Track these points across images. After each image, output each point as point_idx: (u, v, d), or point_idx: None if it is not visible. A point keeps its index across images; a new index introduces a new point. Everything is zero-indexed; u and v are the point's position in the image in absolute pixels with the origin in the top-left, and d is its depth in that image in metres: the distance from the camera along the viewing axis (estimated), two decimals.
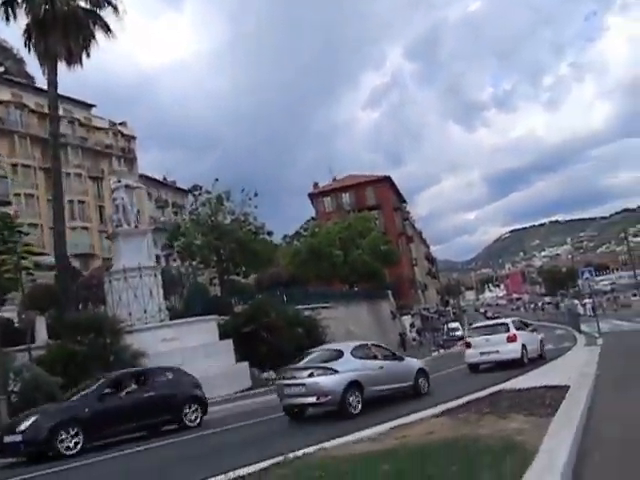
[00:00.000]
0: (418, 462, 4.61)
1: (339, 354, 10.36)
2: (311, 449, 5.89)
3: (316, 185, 63.71)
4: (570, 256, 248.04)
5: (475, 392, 8.95)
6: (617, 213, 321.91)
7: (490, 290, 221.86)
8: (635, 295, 50.24)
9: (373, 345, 11.77)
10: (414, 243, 76.68)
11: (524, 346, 14.77)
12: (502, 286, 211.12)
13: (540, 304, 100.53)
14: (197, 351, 18.54)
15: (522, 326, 16.44)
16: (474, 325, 20.82)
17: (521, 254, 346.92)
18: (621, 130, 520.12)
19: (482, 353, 15.01)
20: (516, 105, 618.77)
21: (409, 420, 7.06)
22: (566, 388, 7.86)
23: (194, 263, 27.44)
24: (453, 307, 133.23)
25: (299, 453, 5.72)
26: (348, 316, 34.39)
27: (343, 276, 40.17)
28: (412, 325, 53.58)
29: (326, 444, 6.10)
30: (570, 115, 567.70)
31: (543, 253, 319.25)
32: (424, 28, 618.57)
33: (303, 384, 9.69)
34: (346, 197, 59.44)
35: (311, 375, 9.74)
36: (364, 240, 40.87)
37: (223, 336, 20.54)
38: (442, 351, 31.71)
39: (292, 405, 10.12)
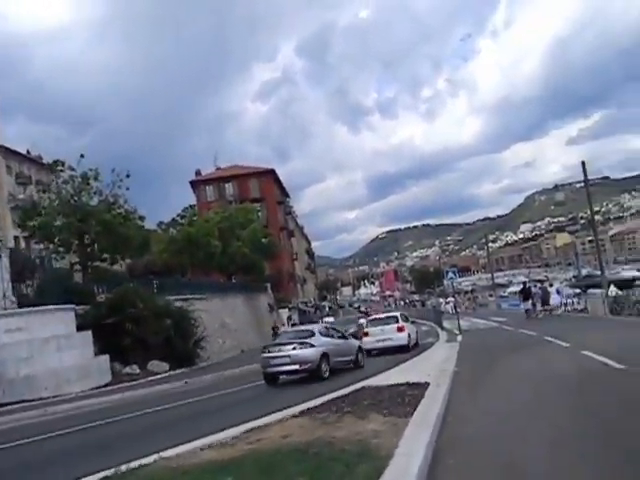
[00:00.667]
0: (265, 473, 4.14)
1: (311, 333, 13.54)
2: (151, 458, 5.17)
3: (199, 173, 61.48)
4: (438, 257, 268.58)
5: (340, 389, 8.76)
6: (479, 220, 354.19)
7: (365, 287, 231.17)
8: (491, 295, 55.14)
9: (331, 327, 15.90)
10: (295, 238, 77.33)
11: (409, 335, 18.37)
12: (377, 283, 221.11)
13: (409, 301, 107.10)
14: (48, 343, 16.68)
15: (406, 319, 20.14)
16: (370, 318, 24.11)
17: (395, 254, 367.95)
18: (486, 146, 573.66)
19: (378, 340, 18.27)
20: (397, 113, 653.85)
21: (268, 421, 6.60)
22: (426, 385, 7.92)
23: (51, 246, 24.68)
24: (330, 302, 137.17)
25: (135, 464, 4.98)
26: (223, 308, 33.44)
27: (221, 267, 39.04)
28: (289, 318, 53.93)
29: (169, 452, 5.41)
30: (444, 127, 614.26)
31: (415, 254, 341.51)
32: (316, 27, 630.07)
33: (288, 355, 12.70)
34: (229, 187, 58.08)
35: (294, 349, 12.76)
36: (244, 232, 40.06)
37: (82, 327, 18.68)
38: None
39: (277, 372, 12.96)
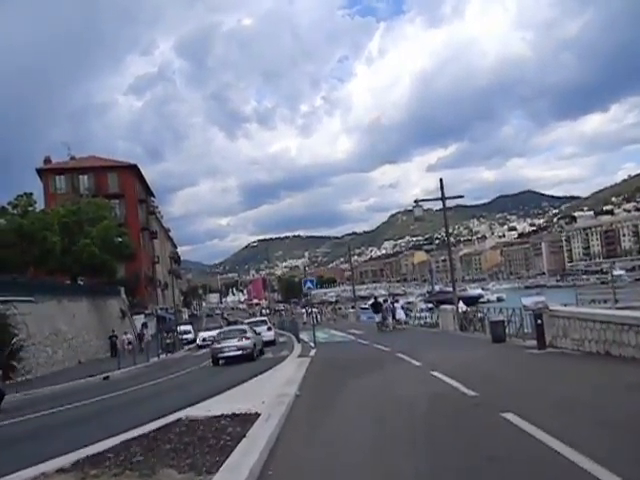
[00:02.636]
0: None
1: (245, 330, 20.91)
2: None
3: (48, 160, 54.71)
4: (305, 268, 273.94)
5: (152, 421, 6.98)
6: (347, 235, 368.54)
7: (233, 294, 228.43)
8: (353, 307, 56.11)
9: (253, 327, 23.71)
10: (158, 240, 72.59)
11: (276, 334, 25.97)
12: (245, 291, 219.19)
13: (275, 310, 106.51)
14: None
15: (270, 324, 28.20)
16: (247, 320, 31.93)
17: (265, 262, 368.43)
18: (357, 165, 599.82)
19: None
20: (275, 124, 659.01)
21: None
22: (255, 417, 6.48)
23: None
24: (194, 309, 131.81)
25: None
26: (59, 313, 29.28)
27: (63, 267, 34.44)
28: (144, 326, 50.06)
29: None
30: (319, 143, 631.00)
31: (284, 264, 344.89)
32: (198, 28, 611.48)
33: (235, 345, 19.22)
34: (84, 180, 52.37)
35: (239, 340, 19.43)
36: (94, 229, 35.90)
37: None
38: (165, 355, 29.27)
39: (226, 356, 19.07)
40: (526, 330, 15.04)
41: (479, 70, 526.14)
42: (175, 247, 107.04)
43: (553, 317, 12.14)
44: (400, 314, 28.64)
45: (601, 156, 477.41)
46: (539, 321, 12.21)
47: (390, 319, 27.26)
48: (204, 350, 27.51)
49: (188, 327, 43.28)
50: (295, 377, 10.51)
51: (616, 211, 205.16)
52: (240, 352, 18.90)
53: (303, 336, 25.82)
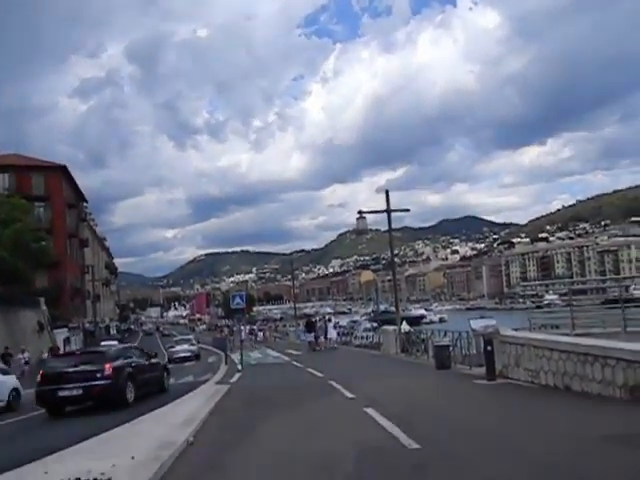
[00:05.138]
0: None
1: (191, 339, 34.98)
2: None
3: None
4: (253, 284, 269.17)
5: None
6: (296, 252, 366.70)
7: (175, 308, 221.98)
8: (294, 326, 53.97)
9: (196, 337, 39.34)
10: (90, 248, 68.17)
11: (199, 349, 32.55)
12: (188, 305, 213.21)
13: (217, 326, 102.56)
14: None
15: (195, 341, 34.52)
16: (176, 338, 37.35)
17: (212, 277, 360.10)
18: (308, 183, 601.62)
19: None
20: (227, 137, 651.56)
21: None
22: None
23: None
24: (131, 323, 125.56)
25: None
26: None
27: None
28: (67, 341, 46.16)
29: None
30: (271, 159, 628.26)
31: (231, 279, 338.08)
32: (150, 35, 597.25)
33: (188, 349, 31.10)
34: (4, 179, 48.01)
35: (190, 346, 31.71)
36: (5, 231, 32.37)
37: None
38: None
39: (179, 357, 29.50)
40: (471, 352, 13.62)
41: (428, 97, 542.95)
42: (111, 257, 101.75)
43: (504, 343, 10.69)
44: (332, 333, 28.05)
45: (538, 186, 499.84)
46: (489, 347, 10.72)
47: (322, 338, 26.87)
48: None
49: (113, 343, 39.69)
50: (198, 414, 8.45)
51: (551, 239, 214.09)
52: (189, 354, 30.32)
53: (236, 356, 23.59)
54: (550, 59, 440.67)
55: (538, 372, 9.48)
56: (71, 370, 11.73)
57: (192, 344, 32.76)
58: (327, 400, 9.90)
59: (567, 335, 10.50)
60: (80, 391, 11.41)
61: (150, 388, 13.59)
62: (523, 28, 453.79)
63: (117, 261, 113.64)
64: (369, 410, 7.98)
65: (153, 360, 14.52)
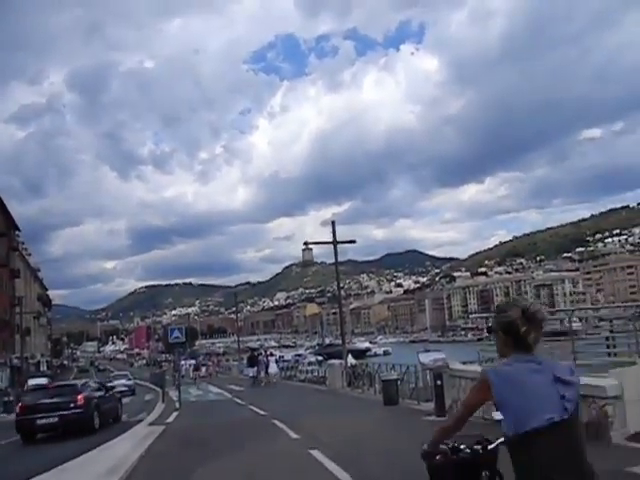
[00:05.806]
0: None
1: (128, 374, 36.19)
2: None
3: None
4: (196, 317, 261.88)
5: None
6: (241, 284, 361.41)
7: (113, 343, 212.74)
8: (236, 360, 52.34)
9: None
10: (21, 279, 64.13)
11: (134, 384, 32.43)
12: (127, 339, 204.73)
13: (157, 361, 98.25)
14: None
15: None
16: (113, 374, 37.60)
17: (153, 310, 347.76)
18: (254, 215, 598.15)
19: None
20: (172, 168, 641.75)
21: None
22: None
23: None
24: (65, 358, 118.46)
25: None
26: None
27: None
28: None
29: None
30: (217, 191, 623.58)
31: (174, 312, 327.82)
32: (94, 64, 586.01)
33: (124, 384, 30.06)
34: None
35: (127, 381, 32.17)
36: None
37: None
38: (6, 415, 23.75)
39: (119, 391, 22.21)
40: (418, 386, 13.32)
41: (372, 135, 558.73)
42: (45, 289, 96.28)
43: (454, 377, 10.44)
44: (273, 368, 27.74)
45: (477, 222, 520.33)
46: (438, 382, 10.43)
47: (263, 373, 26.67)
48: None
49: (41, 380, 36.79)
50: (127, 460, 7.58)
51: (490, 273, 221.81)
52: (126, 388, 28.44)
53: (173, 393, 22.23)
54: (486, 103, 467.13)
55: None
56: (47, 401, 13.35)
57: (129, 379, 33.56)
58: (270, 442, 9.20)
59: None
60: (56, 419, 12.96)
61: (109, 417, 15.20)
62: (460, 73, 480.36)
63: (52, 293, 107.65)
64: (315, 452, 7.42)
65: (109, 393, 16.31)
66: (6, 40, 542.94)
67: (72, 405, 13.13)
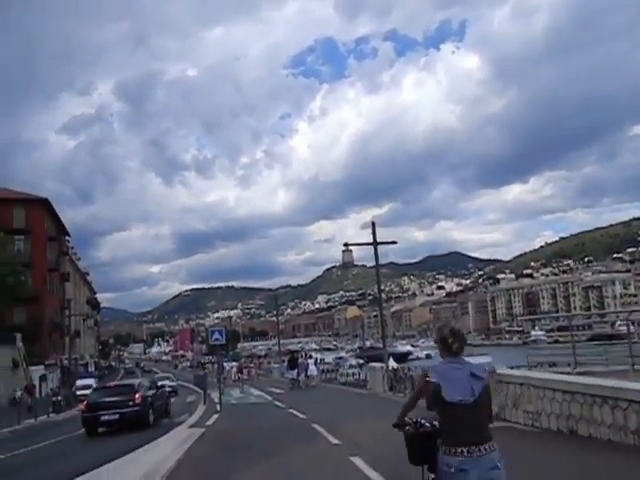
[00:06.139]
0: None
1: (170, 376, 38.18)
2: None
3: None
4: (238, 320, 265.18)
5: None
6: (282, 287, 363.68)
7: (159, 345, 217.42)
8: (277, 363, 52.48)
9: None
10: (71, 283, 66.49)
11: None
12: (171, 342, 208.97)
13: (201, 363, 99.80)
14: None
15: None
16: (158, 375, 37.21)
17: (197, 313, 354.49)
18: (294, 218, 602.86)
19: None
20: (214, 174, 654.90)
21: None
22: None
23: None
24: (112, 360, 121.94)
25: None
26: None
27: None
28: (43, 378, 44.33)
29: None
30: (258, 195, 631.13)
31: (217, 314, 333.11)
32: (140, 74, 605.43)
33: (169, 385, 29.34)
34: None
35: (170, 382, 32.78)
36: None
37: None
38: (47, 417, 24.54)
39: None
40: None
41: (413, 136, 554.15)
42: (94, 292, 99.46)
43: (501, 383, 9.94)
44: (312, 371, 27.94)
45: (521, 223, 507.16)
46: None
47: (303, 376, 26.80)
48: None
49: (89, 381, 37.94)
50: (165, 464, 7.53)
51: (535, 275, 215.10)
52: (170, 389, 26.22)
53: (214, 395, 22.38)
54: (529, 100, 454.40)
55: (539, 414, 8.72)
56: (109, 399, 15.03)
57: (172, 380, 34.58)
58: (309, 447, 8.98)
59: (568, 374, 9.81)
60: (117, 416, 14.67)
61: (161, 412, 17.06)
62: (503, 71, 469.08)
63: (101, 296, 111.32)
64: (355, 460, 7.16)
65: (160, 391, 18.21)
66: (57, 53, 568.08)
67: (130, 403, 14.76)
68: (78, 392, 34.21)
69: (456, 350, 3.21)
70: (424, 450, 3.38)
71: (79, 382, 37.11)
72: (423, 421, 3.46)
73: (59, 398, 26.35)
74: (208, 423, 13.56)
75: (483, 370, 3.24)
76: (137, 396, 15.11)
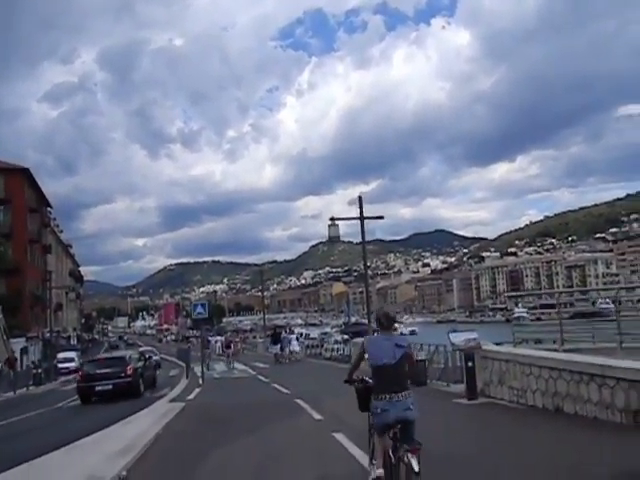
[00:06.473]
0: None
1: (154, 350, 35.79)
2: None
3: None
4: (224, 294, 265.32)
5: None
6: (268, 263, 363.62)
7: (143, 319, 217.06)
8: (262, 338, 52.60)
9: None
10: (53, 255, 65.52)
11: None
12: (156, 315, 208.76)
13: (185, 337, 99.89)
14: None
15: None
16: (141, 349, 31.83)
17: (182, 287, 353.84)
18: (281, 193, 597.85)
19: None
20: (200, 146, 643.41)
21: None
22: None
23: None
24: (96, 333, 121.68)
25: None
26: None
27: None
28: (24, 350, 43.91)
29: None
30: (245, 169, 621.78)
31: (202, 289, 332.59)
32: (124, 43, 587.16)
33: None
34: None
35: (153, 355, 27.13)
36: None
37: None
38: (26, 389, 24.15)
39: None
40: (448, 367, 12.74)
41: (401, 113, 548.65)
42: (77, 265, 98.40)
43: (486, 359, 9.84)
44: (294, 345, 28.40)
45: (507, 202, 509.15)
46: (470, 363, 9.86)
47: (287, 350, 27.34)
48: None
49: (71, 354, 37.64)
50: (143, 438, 7.31)
51: (520, 253, 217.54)
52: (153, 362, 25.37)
53: (197, 369, 22.24)
54: (518, 78, 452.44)
55: (525, 391, 8.64)
56: (102, 371, 16.04)
57: (154, 354, 33.33)
58: (292, 422, 8.83)
59: (555, 351, 9.73)
60: (110, 386, 15.68)
61: (149, 382, 18.22)
62: (493, 48, 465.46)
63: (85, 269, 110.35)
64: (338, 435, 7.00)
65: (148, 362, 19.23)
66: (38, 20, 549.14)
67: (123, 375, 15.82)
68: (60, 365, 33.99)
69: (386, 326, 4.29)
70: (368, 400, 4.27)
71: (61, 355, 36.76)
72: (367, 378, 4.40)
73: (39, 371, 26.02)
74: (189, 397, 13.39)
75: (404, 341, 4.26)
76: (129, 368, 16.08)
